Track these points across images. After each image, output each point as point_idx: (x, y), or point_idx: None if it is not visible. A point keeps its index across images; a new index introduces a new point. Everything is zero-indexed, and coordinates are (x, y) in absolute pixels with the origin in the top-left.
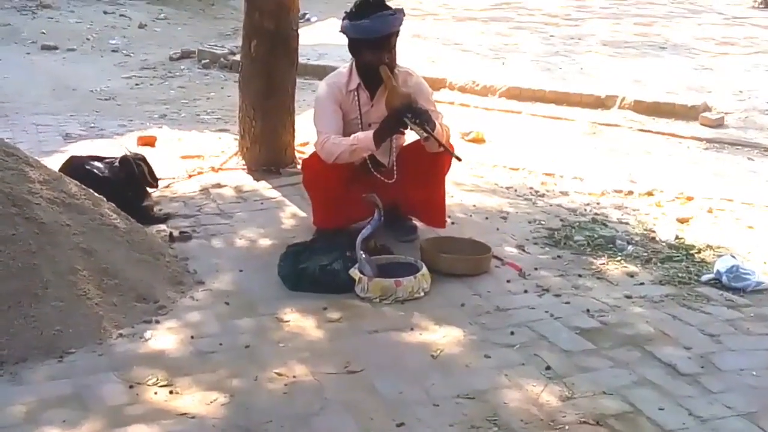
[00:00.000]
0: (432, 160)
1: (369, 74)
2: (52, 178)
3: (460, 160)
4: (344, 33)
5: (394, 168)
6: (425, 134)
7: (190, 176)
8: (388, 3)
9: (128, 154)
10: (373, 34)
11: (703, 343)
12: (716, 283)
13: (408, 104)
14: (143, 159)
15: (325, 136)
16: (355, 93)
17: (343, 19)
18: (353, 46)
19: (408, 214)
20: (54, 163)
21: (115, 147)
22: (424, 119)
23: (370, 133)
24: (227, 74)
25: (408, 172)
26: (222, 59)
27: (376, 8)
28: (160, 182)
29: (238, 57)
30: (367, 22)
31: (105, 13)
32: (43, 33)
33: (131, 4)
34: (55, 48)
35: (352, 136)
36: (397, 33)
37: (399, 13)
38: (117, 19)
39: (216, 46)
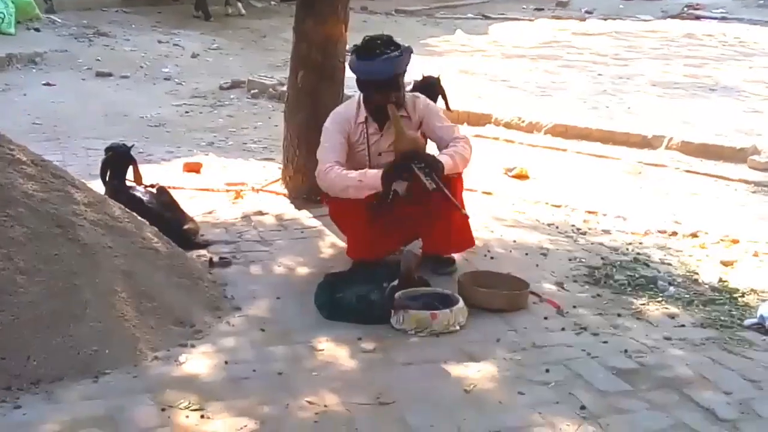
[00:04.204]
0: (449, 190)
1: (377, 112)
2: (96, 200)
3: (467, 217)
4: (352, 70)
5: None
6: (433, 185)
7: (228, 190)
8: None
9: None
10: (380, 76)
11: (744, 389)
12: (759, 327)
13: (415, 150)
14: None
15: (328, 165)
16: (364, 125)
17: (351, 53)
18: (361, 85)
19: (435, 251)
20: (101, 186)
21: (161, 173)
22: (431, 167)
23: (378, 173)
24: (275, 104)
25: (425, 204)
26: (271, 89)
27: (384, 46)
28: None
29: (286, 87)
30: (374, 63)
31: (159, 42)
32: (99, 60)
33: (185, 34)
34: (110, 75)
35: (359, 171)
36: (404, 72)
37: (406, 53)
38: (171, 48)
39: (265, 76)
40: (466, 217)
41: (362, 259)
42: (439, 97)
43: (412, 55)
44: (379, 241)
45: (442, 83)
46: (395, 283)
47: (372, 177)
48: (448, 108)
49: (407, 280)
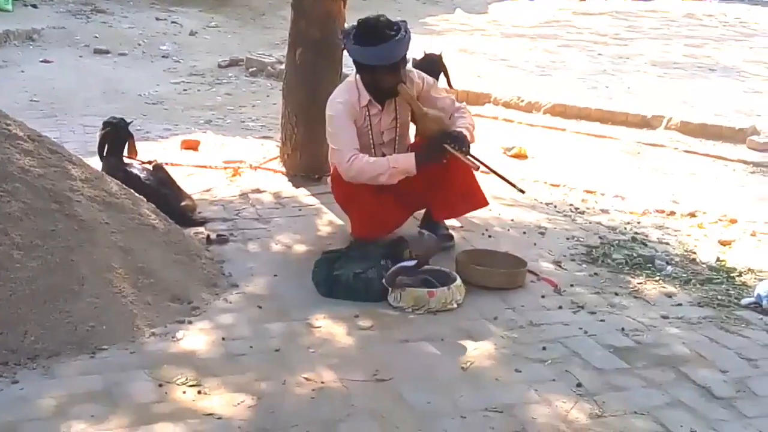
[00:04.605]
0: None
1: (384, 93)
2: (93, 176)
3: (523, 192)
4: (353, 57)
5: None
6: (477, 164)
7: (226, 167)
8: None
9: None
10: (389, 61)
11: (740, 367)
12: (756, 307)
13: (443, 129)
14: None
15: (351, 155)
16: (367, 108)
17: (344, 37)
18: (367, 69)
19: (445, 215)
20: (98, 163)
21: (158, 150)
22: (465, 145)
23: (410, 156)
24: (274, 83)
25: (428, 173)
26: (269, 68)
27: (388, 28)
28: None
29: (284, 65)
30: (381, 48)
31: (157, 19)
32: (96, 37)
33: (183, 11)
34: (107, 52)
35: (387, 158)
36: None
37: (408, 33)
38: (168, 25)
39: (264, 54)
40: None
41: (372, 236)
42: (441, 74)
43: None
44: (388, 217)
45: (444, 61)
46: (410, 263)
47: (405, 162)
48: (450, 85)
49: (425, 262)
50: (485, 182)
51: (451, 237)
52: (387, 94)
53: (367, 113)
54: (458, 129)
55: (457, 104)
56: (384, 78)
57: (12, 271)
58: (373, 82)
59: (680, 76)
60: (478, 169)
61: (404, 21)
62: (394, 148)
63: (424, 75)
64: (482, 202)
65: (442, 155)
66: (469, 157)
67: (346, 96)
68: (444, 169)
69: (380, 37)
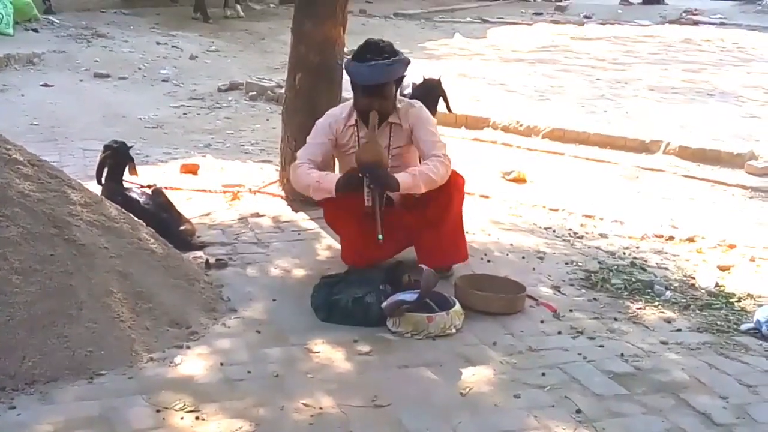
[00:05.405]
0: (444, 201)
1: (362, 115)
2: (93, 201)
3: (379, 240)
4: (346, 70)
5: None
6: (368, 203)
7: (225, 191)
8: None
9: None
10: (364, 81)
11: (740, 394)
12: (756, 332)
13: (372, 164)
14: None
15: (299, 161)
16: (355, 128)
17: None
18: (352, 86)
19: (428, 263)
20: (97, 186)
21: (158, 174)
22: (380, 185)
23: (335, 178)
24: (273, 107)
25: (419, 213)
26: (269, 92)
27: (378, 52)
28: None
29: (284, 90)
30: (362, 67)
31: (158, 43)
32: (97, 61)
33: (184, 35)
34: (108, 76)
35: (320, 173)
36: (393, 82)
37: (397, 64)
38: (169, 49)
39: (264, 78)
40: (457, 231)
41: (357, 264)
42: (440, 99)
43: (407, 66)
44: (371, 249)
45: (443, 85)
46: (410, 297)
47: (329, 181)
48: (449, 110)
49: (425, 297)
50: (482, 208)
51: (449, 267)
52: (364, 116)
53: (355, 133)
54: (388, 169)
55: (436, 151)
56: (358, 97)
57: (10, 295)
58: (353, 100)
59: (678, 100)
60: (365, 207)
61: (405, 57)
62: None
63: (424, 113)
64: (462, 258)
65: (359, 186)
66: (369, 195)
67: (337, 111)
68: (436, 211)
69: (363, 57)
